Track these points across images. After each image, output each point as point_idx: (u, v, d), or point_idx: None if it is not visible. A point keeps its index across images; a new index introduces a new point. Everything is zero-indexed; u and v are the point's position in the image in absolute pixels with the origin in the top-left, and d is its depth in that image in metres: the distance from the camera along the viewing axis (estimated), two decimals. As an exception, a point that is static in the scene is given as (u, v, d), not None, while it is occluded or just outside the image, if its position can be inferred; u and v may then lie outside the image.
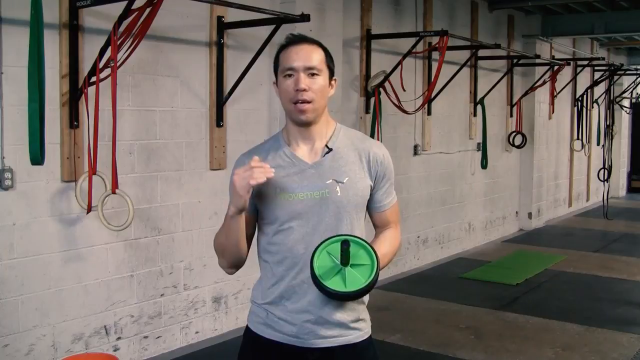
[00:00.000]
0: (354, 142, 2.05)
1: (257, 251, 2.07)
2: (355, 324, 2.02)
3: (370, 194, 2.05)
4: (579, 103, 10.89)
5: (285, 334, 1.97)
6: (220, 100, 4.67)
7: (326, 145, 2.01)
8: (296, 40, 1.99)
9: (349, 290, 1.83)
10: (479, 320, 5.33)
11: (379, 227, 2.13)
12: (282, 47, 2.01)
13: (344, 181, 1.98)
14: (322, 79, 1.97)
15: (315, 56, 1.96)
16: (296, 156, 2.00)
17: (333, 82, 2.03)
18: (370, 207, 2.08)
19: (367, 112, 6.14)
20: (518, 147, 9.05)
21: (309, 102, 1.94)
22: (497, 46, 7.06)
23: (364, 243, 1.89)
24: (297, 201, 1.95)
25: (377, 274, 1.84)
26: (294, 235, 1.96)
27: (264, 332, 2.01)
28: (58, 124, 3.76)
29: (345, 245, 1.83)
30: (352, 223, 2.00)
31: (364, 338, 2.05)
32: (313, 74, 1.95)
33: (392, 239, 2.10)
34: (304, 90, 1.93)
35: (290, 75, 1.95)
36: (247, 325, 2.09)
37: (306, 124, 1.98)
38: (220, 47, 4.65)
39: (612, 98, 11.41)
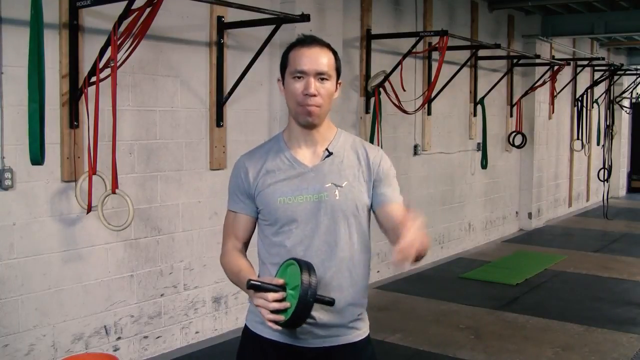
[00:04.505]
0: (354, 147, 2.06)
1: (257, 252, 2.07)
2: (353, 324, 2.03)
3: (373, 197, 2.04)
4: (579, 103, 10.89)
5: (283, 333, 1.97)
6: (220, 100, 4.67)
7: (326, 149, 2.01)
8: (307, 41, 1.97)
9: (286, 318, 1.78)
10: (479, 320, 5.33)
11: (391, 228, 1.96)
12: (292, 46, 1.99)
13: (343, 185, 1.98)
14: (330, 84, 1.97)
15: (327, 61, 1.95)
16: (296, 159, 2.00)
17: (338, 85, 2.03)
18: (374, 208, 2.05)
19: (367, 112, 6.14)
20: (518, 147, 9.05)
21: (317, 106, 1.94)
22: (497, 46, 7.06)
23: (294, 263, 1.81)
24: (296, 204, 1.95)
25: (304, 294, 1.74)
26: (293, 237, 1.96)
27: (262, 331, 2.01)
28: (58, 124, 3.76)
29: (249, 283, 1.79)
30: (351, 227, 1.99)
31: (362, 337, 2.05)
32: (323, 79, 1.94)
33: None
34: (314, 95, 1.92)
35: (299, 78, 1.94)
36: (245, 324, 2.10)
37: (310, 126, 1.98)
38: (220, 47, 4.65)
39: (612, 98, 11.42)
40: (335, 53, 2.01)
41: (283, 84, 2.01)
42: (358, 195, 2.00)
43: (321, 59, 1.94)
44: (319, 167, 1.99)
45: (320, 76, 1.94)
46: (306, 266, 1.79)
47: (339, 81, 2.03)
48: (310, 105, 1.93)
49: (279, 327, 1.80)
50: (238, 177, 2.04)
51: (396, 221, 1.93)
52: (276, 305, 1.78)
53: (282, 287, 1.80)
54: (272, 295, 1.78)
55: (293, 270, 1.82)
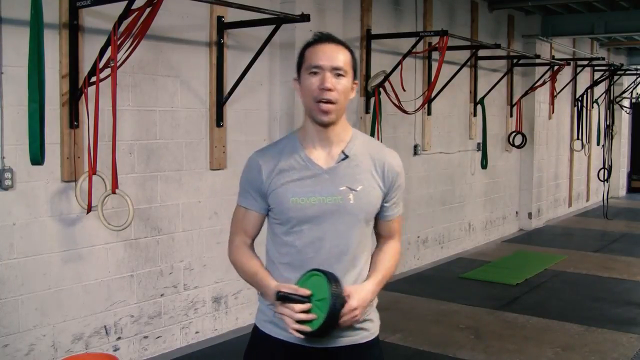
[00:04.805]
0: (370, 151, 2.04)
1: (266, 250, 2.08)
2: (361, 325, 2.02)
3: (380, 204, 2.05)
4: (579, 103, 10.89)
5: (291, 333, 1.97)
6: (220, 100, 4.67)
7: (343, 152, 2.00)
8: (324, 38, 1.98)
9: (313, 329, 1.82)
10: (479, 320, 5.33)
11: (382, 236, 2.14)
12: (309, 44, 1.99)
13: (358, 189, 1.97)
14: (346, 80, 1.96)
15: (342, 57, 1.95)
16: (311, 160, 1.99)
17: (354, 85, 2.02)
18: (377, 216, 2.08)
19: (367, 112, 6.14)
20: (518, 147, 9.05)
21: (333, 102, 1.93)
22: (497, 46, 7.06)
23: (320, 274, 1.86)
24: (309, 205, 1.95)
25: (334, 306, 1.79)
26: (304, 238, 1.96)
27: (271, 330, 2.02)
28: (58, 124, 3.76)
29: (278, 295, 1.85)
30: (362, 231, 2.00)
31: (370, 338, 2.05)
32: (339, 75, 1.93)
33: (395, 252, 2.12)
34: (330, 89, 1.91)
35: (315, 73, 1.93)
36: (254, 323, 2.11)
37: (326, 124, 1.97)
38: (220, 47, 4.64)
39: (612, 98, 11.42)
40: (351, 52, 2.01)
41: (299, 83, 2.00)
42: (372, 200, 2.00)
43: (337, 55, 1.94)
44: (333, 169, 1.98)
45: (337, 71, 1.93)
46: (333, 278, 1.83)
47: (355, 81, 2.02)
48: (326, 102, 1.92)
49: (302, 336, 1.84)
50: (251, 173, 2.03)
51: (389, 233, 2.13)
52: (302, 317, 1.82)
53: (308, 299, 1.83)
54: (299, 307, 1.82)
55: (317, 281, 1.84)
